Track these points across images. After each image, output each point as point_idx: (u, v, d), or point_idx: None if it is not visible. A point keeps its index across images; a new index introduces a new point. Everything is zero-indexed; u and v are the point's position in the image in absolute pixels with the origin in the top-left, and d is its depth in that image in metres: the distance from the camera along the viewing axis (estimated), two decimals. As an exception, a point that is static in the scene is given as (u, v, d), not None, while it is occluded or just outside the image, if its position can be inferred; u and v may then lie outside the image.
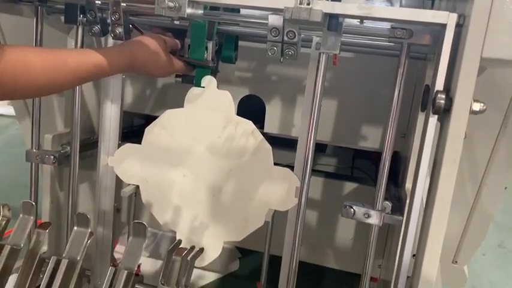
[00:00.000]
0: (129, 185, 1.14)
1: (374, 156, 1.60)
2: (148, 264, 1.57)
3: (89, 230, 0.81)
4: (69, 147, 1.20)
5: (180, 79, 1.08)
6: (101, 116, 1.15)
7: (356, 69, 1.20)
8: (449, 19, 0.71)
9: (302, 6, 0.72)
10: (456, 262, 1.35)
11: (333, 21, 0.78)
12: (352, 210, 0.92)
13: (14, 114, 1.71)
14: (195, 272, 1.61)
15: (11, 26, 1.44)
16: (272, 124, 1.30)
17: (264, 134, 1.26)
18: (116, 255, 1.32)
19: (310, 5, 0.72)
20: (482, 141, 1.14)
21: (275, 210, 1.05)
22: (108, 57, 0.82)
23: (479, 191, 1.21)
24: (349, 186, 1.36)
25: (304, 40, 0.95)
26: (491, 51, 0.67)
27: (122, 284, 0.81)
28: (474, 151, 1.15)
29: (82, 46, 1.09)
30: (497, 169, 1.16)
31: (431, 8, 1.08)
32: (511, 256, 2.09)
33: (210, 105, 1.05)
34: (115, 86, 1.14)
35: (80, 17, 1.00)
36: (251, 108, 1.28)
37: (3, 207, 0.95)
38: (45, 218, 1.34)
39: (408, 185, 0.98)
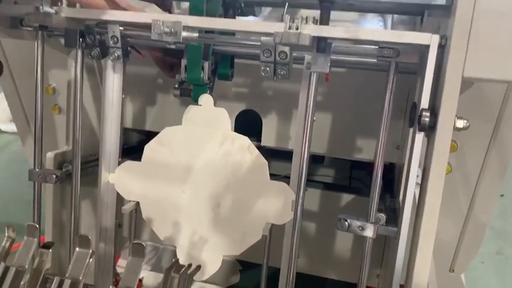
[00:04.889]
0: (129, 201, 1.16)
1: (370, 167, 1.62)
2: (150, 278, 1.59)
3: (91, 251, 0.84)
4: (70, 166, 1.23)
5: (178, 92, 1.12)
6: (101, 134, 1.18)
7: (349, 83, 1.23)
8: (432, 40, 0.74)
9: (291, 31, 0.75)
10: (453, 271, 1.37)
11: (321, 44, 0.81)
12: (346, 223, 0.95)
13: (16, 131, 1.75)
14: (196, 285, 1.63)
15: (12, 47, 1.49)
16: (269, 137, 1.33)
17: (261, 147, 1.29)
18: (119, 270, 1.33)
19: (299, 30, 0.75)
20: (474, 152, 1.16)
21: (273, 224, 1.07)
22: None
23: (472, 201, 1.23)
24: (347, 198, 1.39)
25: (297, 58, 0.98)
26: (472, 71, 0.70)
27: (121, 303, 0.83)
28: (466, 162, 1.18)
29: (82, 68, 1.12)
30: (489, 179, 1.19)
31: (421, 24, 1.11)
32: (509, 263, 2.10)
33: (208, 122, 1.08)
34: (115, 104, 1.16)
35: (80, 41, 1.04)
36: (248, 123, 1.31)
37: (7, 228, 0.97)
38: (48, 234, 1.36)
39: (401, 196, 1.01)
